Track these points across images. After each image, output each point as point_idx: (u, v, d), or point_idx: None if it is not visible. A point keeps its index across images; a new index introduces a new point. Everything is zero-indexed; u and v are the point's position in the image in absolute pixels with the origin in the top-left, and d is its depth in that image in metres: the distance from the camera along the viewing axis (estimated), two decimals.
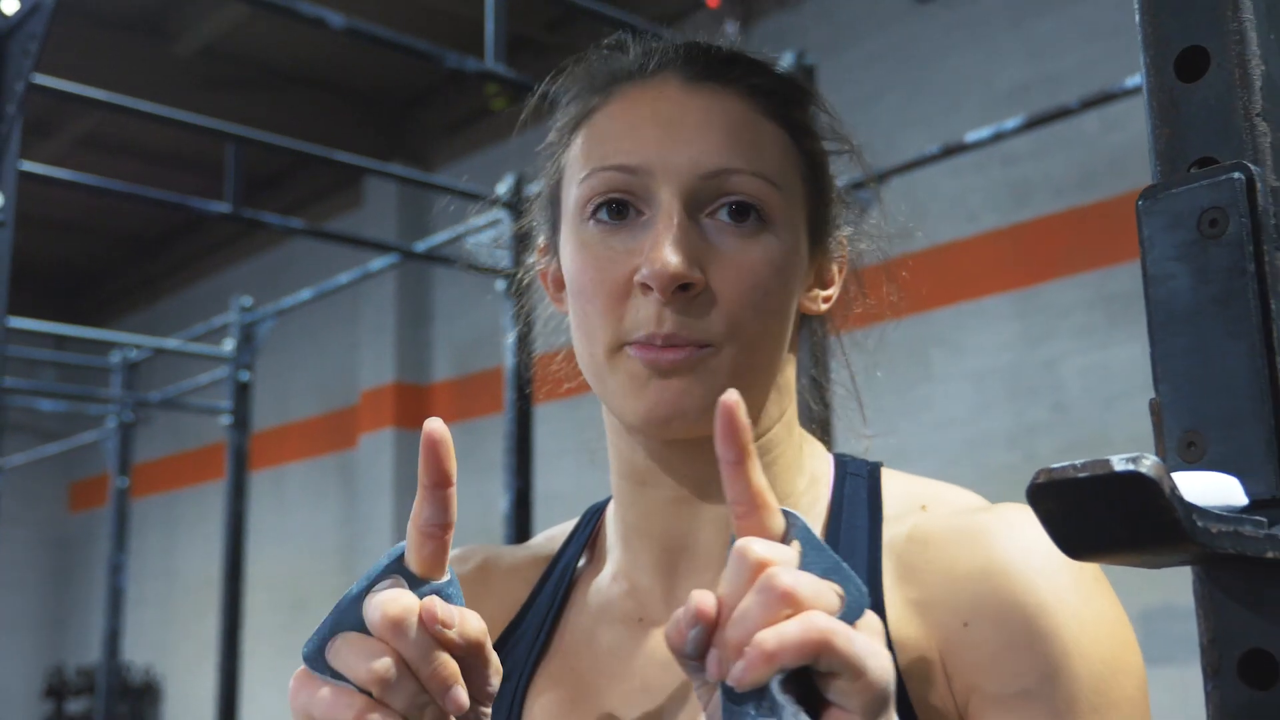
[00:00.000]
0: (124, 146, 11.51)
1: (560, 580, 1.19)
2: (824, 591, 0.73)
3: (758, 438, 1.08)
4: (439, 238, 5.23)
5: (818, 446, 1.16)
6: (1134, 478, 0.51)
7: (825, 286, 1.14)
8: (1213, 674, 0.59)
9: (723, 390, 0.99)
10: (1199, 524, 0.53)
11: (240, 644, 6.23)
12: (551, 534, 1.27)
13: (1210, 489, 0.57)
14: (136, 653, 13.94)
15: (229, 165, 4.09)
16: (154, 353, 7.49)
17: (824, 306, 1.14)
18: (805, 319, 1.17)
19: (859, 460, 1.15)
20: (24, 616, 15.89)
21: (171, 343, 7.32)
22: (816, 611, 0.71)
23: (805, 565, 0.76)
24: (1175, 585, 5.70)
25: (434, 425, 0.83)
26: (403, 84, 10.94)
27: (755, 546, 0.75)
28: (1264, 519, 0.57)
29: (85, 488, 16.04)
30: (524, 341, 4.66)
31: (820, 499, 1.11)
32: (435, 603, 0.82)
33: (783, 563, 0.74)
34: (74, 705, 15.36)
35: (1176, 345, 0.61)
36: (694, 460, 1.07)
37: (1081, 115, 4.47)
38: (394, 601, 0.82)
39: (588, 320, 1.05)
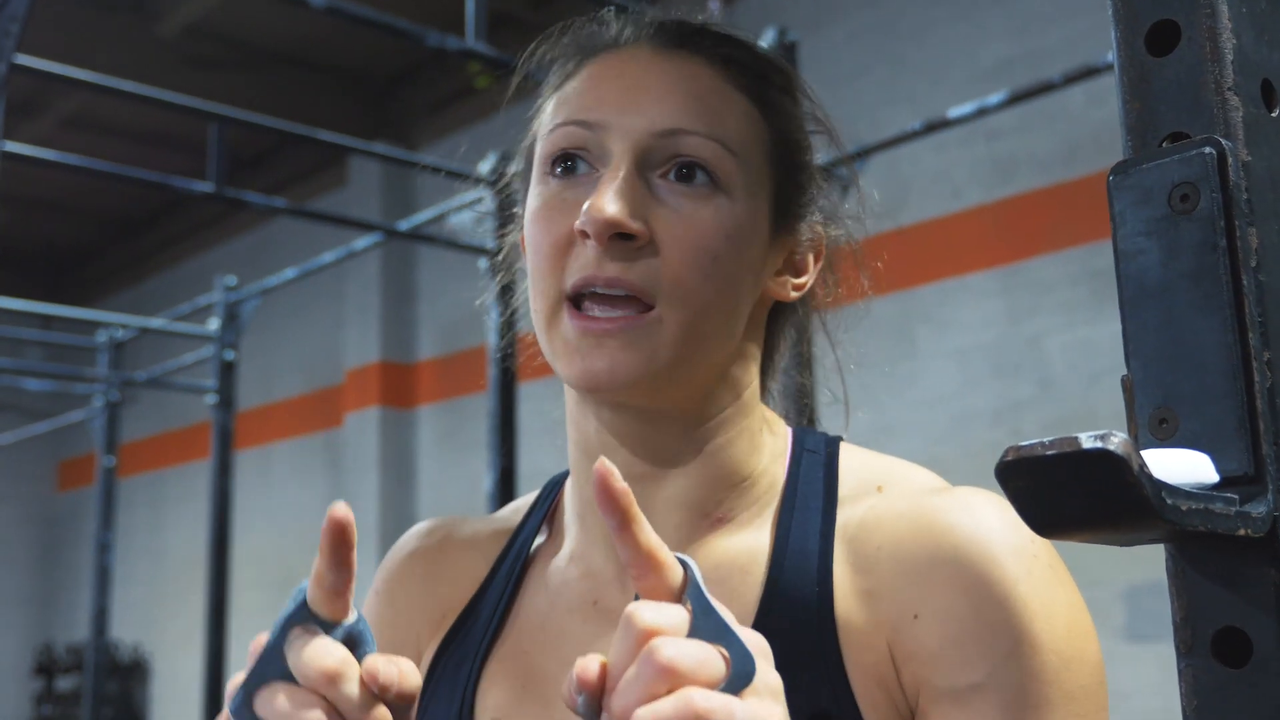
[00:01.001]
0: (108, 127, 11.46)
1: (517, 559, 1.18)
2: (707, 662, 0.71)
3: (709, 419, 1.07)
4: (423, 216, 5.22)
5: (779, 424, 1.15)
6: (1102, 455, 0.50)
7: (798, 274, 1.13)
8: (1186, 652, 0.59)
9: (664, 356, 0.99)
10: (1168, 501, 0.52)
11: (227, 621, 6.23)
12: (517, 505, 1.26)
13: (1182, 466, 0.57)
14: (124, 630, 13.94)
15: (211, 145, 4.07)
16: (140, 332, 7.47)
17: (795, 294, 1.12)
18: (784, 307, 1.16)
19: (817, 435, 1.13)
20: (12, 595, 15.88)
21: (157, 322, 7.30)
22: (695, 689, 0.69)
23: (694, 630, 0.74)
24: (1163, 562, 5.71)
25: (340, 513, 0.83)
26: (385, 63, 10.90)
27: (643, 613, 0.72)
28: (1235, 496, 0.57)
29: (72, 467, 16.01)
30: (506, 319, 4.65)
31: (777, 479, 1.09)
32: (377, 663, 0.82)
33: (670, 630, 0.72)
34: (63, 682, 15.37)
35: (1148, 322, 0.61)
36: (647, 432, 1.06)
37: (1065, 91, 4.46)
38: (328, 655, 0.81)
39: (536, 274, 1.05)
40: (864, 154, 3.99)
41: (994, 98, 3.88)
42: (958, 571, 0.94)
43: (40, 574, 16.39)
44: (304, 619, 0.86)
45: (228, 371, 6.55)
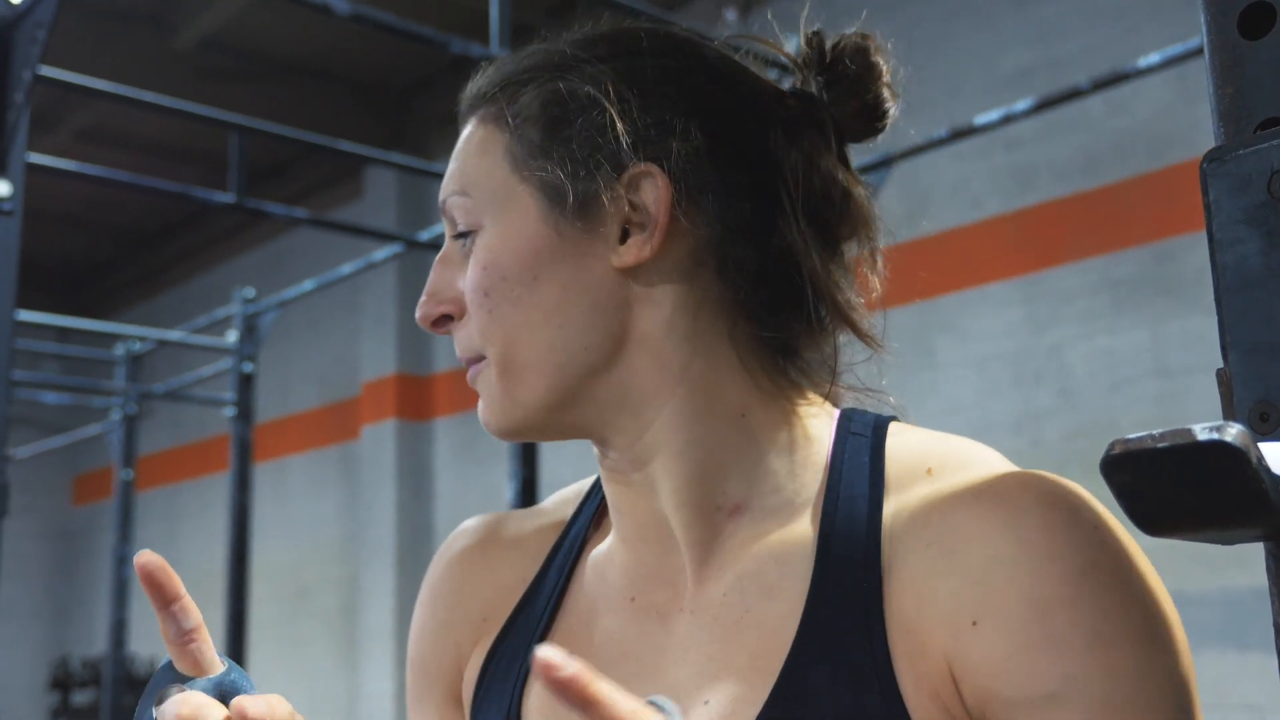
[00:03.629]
0: (124, 140, 11.48)
1: (569, 553, 1.15)
2: None
3: (654, 417, 1.02)
4: (440, 227, 5.20)
5: (814, 407, 1.06)
6: (1218, 448, 0.48)
7: (654, 224, 1.01)
8: None
9: (505, 396, 1.02)
10: None
11: (245, 634, 6.22)
12: (565, 496, 1.22)
13: None
14: (141, 644, 13.92)
15: (232, 155, 4.06)
16: (157, 345, 7.48)
17: (646, 249, 1.00)
18: (701, 261, 1.03)
19: (865, 415, 1.06)
20: (29, 609, 15.90)
21: (175, 335, 7.30)
22: None
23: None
24: (1187, 572, 5.69)
25: (144, 558, 0.87)
26: (401, 74, 10.91)
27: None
28: None
29: (89, 480, 16.04)
30: None
31: (812, 467, 1.03)
32: (244, 702, 0.84)
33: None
34: (80, 697, 15.38)
35: (1247, 312, 0.59)
36: (609, 448, 1.05)
37: (1086, 99, 4.43)
38: (185, 702, 0.84)
39: None
40: (886, 163, 3.96)
41: (1020, 105, 3.85)
42: (1016, 571, 0.87)
43: (56, 588, 16.42)
44: (169, 680, 0.88)
45: (246, 384, 6.54)
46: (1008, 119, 3.89)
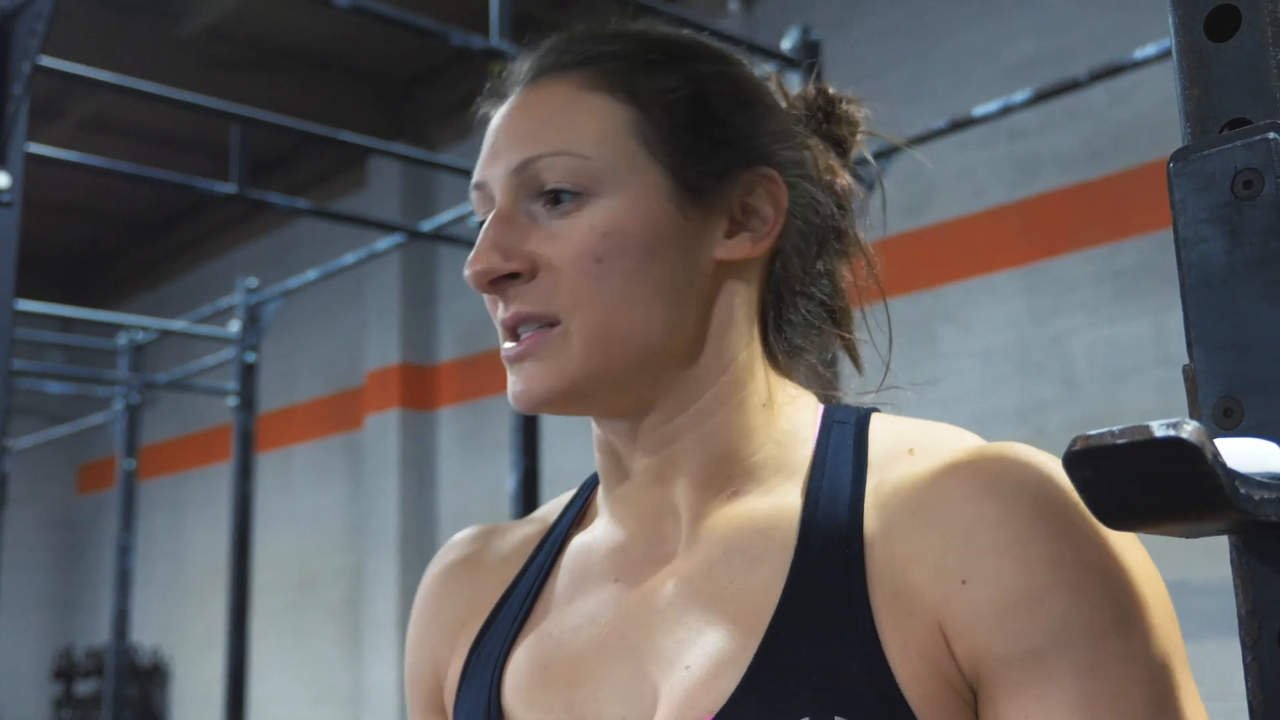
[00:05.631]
0: (128, 129, 11.49)
1: (549, 552, 1.18)
2: None
3: (693, 402, 1.07)
4: (445, 217, 5.21)
5: (804, 399, 1.12)
6: (1174, 444, 0.49)
7: (754, 229, 1.09)
8: (1251, 645, 0.58)
9: (577, 365, 1.01)
10: (1241, 491, 0.51)
11: (248, 624, 6.24)
12: (552, 505, 1.26)
13: (1250, 455, 0.55)
14: (145, 634, 13.98)
15: (234, 146, 4.08)
16: (160, 335, 7.49)
17: (756, 248, 1.08)
18: (776, 265, 1.12)
19: (848, 408, 1.11)
20: (33, 598, 15.94)
21: (178, 324, 7.32)
22: None
23: None
24: (1192, 561, 5.69)
25: None
26: (405, 64, 10.91)
27: None
28: None
29: (93, 470, 16.07)
30: None
31: (800, 454, 1.07)
32: None
33: None
34: (83, 686, 15.43)
35: (1211, 310, 0.60)
36: (639, 429, 1.07)
37: (1089, 89, 4.43)
38: None
39: None
40: (889, 153, 3.97)
41: (1019, 95, 3.86)
42: (1000, 531, 0.90)
43: (60, 577, 16.46)
44: None
45: (249, 373, 6.55)
46: (1006, 110, 3.90)
